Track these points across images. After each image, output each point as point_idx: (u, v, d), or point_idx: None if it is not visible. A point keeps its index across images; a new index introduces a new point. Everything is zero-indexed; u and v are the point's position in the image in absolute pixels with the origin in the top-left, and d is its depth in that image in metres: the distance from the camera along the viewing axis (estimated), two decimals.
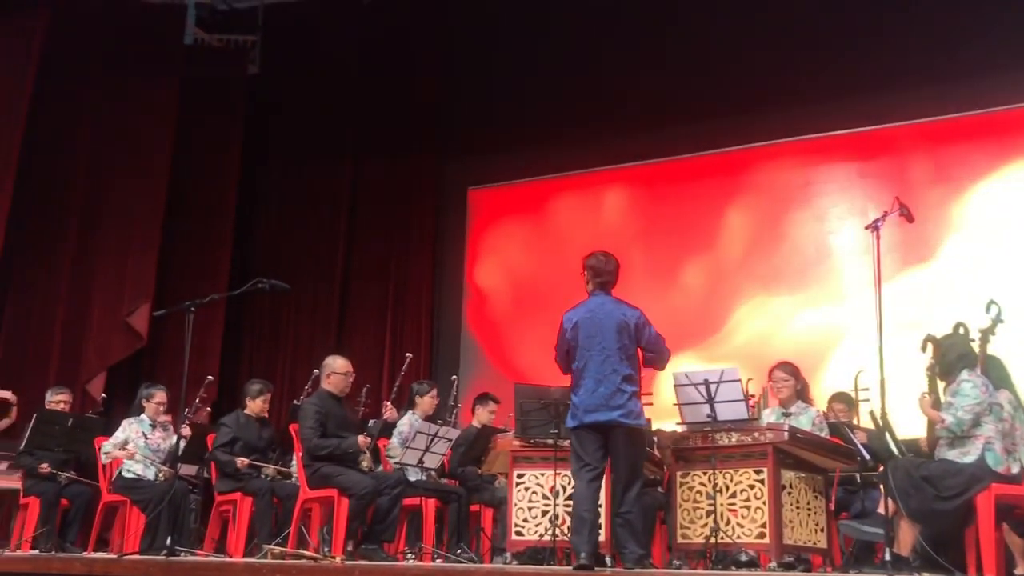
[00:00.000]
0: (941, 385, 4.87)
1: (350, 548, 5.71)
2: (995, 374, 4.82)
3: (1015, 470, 4.63)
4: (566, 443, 5.03)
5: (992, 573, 4.41)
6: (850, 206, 8.23)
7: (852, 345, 7.68)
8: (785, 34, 8.65)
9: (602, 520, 4.97)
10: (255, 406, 6.69)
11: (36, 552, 6.19)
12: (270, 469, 6.47)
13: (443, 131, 10.18)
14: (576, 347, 4.80)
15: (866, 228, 4.90)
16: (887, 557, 4.38)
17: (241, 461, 6.40)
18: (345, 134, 10.41)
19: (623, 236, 8.95)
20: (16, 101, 8.90)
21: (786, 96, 8.54)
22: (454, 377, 7.82)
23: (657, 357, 4.85)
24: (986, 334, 4.86)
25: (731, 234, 8.74)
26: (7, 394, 8.38)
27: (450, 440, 6.27)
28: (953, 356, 4.81)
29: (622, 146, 9.19)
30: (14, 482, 6.91)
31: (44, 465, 6.66)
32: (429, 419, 6.70)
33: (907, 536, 4.59)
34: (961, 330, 4.91)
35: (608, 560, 5.05)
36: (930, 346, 4.91)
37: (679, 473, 5.21)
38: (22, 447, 6.70)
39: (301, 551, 5.51)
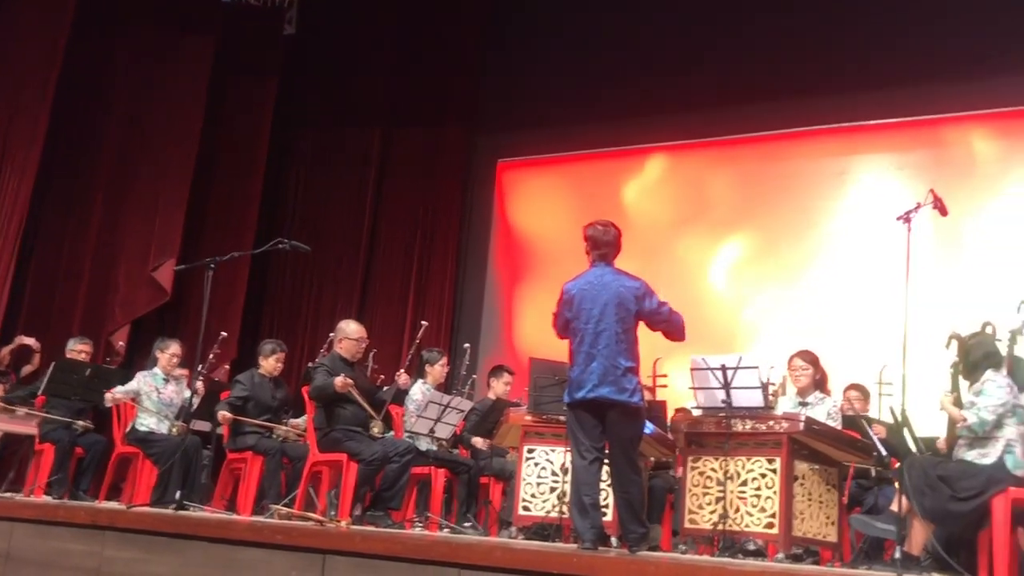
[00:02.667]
0: (964, 384, 4.77)
1: (357, 513, 5.71)
2: (1021, 375, 4.69)
3: None
4: None
5: None
6: (884, 198, 8.06)
7: (876, 339, 7.52)
8: (825, 19, 8.47)
9: (608, 500, 4.93)
10: (268, 365, 6.70)
11: (45, 499, 6.25)
12: (281, 429, 6.49)
13: (475, 103, 10.09)
14: (573, 320, 4.59)
15: (898, 219, 4.72)
16: (897, 555, 4.30)
17: (222, 416, 6.36)
18: (378, 101, 10.35)
19: (648, 216, 8.89)
20: (50, 55, 8.83)
21: (823, 83, 8.35)
22: (467, 346, 7.78)
23: (668, 327, 4.59)
24: (1015, 335, 4.75)
25: (759, 220, 8.60)
26: (30, 341, 8.49)
27: (462, 411, 6.25)
28: (979, 355, 4.70)
29: (654, 125, 9.03)
30: (31, 428, 6.97)
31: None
32: (443, 389, 6.68)
33: (919, 535, 4.51)
34: (989, 329, 4.80)
35: (614, 541, 5.01)
36: (955, 343, 4.80)
37: (690, 458, 5.16)
38: (40, 392, 6.74)
39: (307, 513, 5.52)
